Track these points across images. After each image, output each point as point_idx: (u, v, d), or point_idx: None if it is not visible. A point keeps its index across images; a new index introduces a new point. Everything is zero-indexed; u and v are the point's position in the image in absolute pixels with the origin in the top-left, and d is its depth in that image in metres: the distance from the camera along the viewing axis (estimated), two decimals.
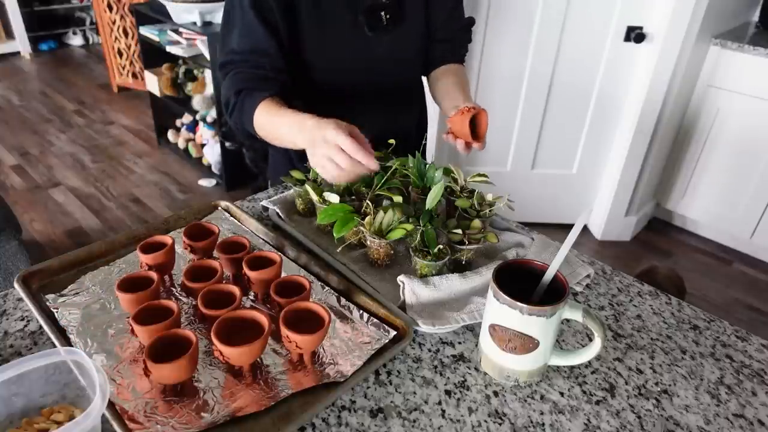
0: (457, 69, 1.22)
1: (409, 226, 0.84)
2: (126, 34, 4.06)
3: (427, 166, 1.00)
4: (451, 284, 0.82)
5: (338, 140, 0.79)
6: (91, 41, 5.48)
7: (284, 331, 0.66)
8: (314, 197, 0.92)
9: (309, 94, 1.12)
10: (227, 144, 2.87)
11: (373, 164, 0.79)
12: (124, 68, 4.23)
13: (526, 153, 2.61)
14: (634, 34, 2.25)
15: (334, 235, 0.85)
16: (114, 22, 4.01)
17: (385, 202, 0.94)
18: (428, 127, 1.38)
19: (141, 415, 0.61)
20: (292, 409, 0.64)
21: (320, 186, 0.96)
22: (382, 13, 1.07)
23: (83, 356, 0.59)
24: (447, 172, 0.99)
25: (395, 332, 0.74)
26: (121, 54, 4.16)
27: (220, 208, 1.02)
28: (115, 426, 0.59)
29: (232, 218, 1.00)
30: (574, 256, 0.93)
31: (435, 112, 2.54)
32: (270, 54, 1.00)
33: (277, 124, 0.93)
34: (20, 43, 4.98)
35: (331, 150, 0.79)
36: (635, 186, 2.58)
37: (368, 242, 0.87)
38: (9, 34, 4.98)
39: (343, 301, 0.80)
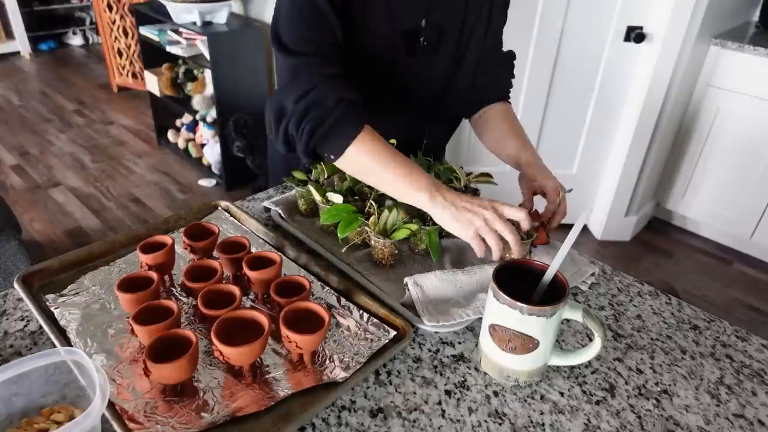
0: (506, 111, 1.11)
1: (414, 226, 0.84)
2: (126, 34, 4.06)
3: (430, 164, 1.00)
4: (456, 276, 0.82)
5: (513, 214, 0.78)
6: (91, 41, 5.48)
7: (284, 331, 0.66)
8: (317, 198, 0.92)
9: None
10: (236, 150, 2.83)
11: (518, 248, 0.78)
12: (124, 68, 4.23)
13: None
14: (634, 34, 2.25)
15: (339, 235, 0.85)
16: (114, 22, 4.01)
17: (388, 202, 0.94)
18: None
19: (141, 415, 0.61)
20: (292, 409, 0.64)
21: (322, 186, 0.96)
22: (422, 39, 1.00)
23: (83, 356, 0.59)
24: (449, 171, 0.99)
25: (395, 332, 0.74)
26: (121, 54, 4.16)
27: (220, 208, 1.02)
28: (115, 426, 0.59)
29: (232, 218, 1.00)
30: (578, 255, 0.93)
31: None
32: (338, 47, 0.89)
33: (394, 171, 0.82)
34: (20, 43, 4.97)
35: (504, 227, 0.77)
36: (635, 186, 2.58)
37: (372, 242, 0.87)
38: (9, 34, 4.98)
39: (343, 301, 0.80)
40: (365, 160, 0.83)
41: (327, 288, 0.83)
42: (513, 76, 1.17)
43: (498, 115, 1.11)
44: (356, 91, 0.87)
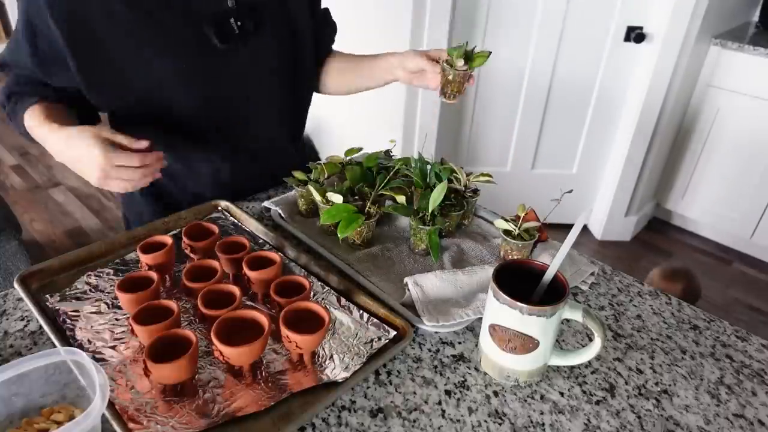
0: (337, 54, 1.20)
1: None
2: None
3: (430, 165, 1.00)
4: (456, 276, 0.82)
5: (116, 161, 0.81)
6: None
7: (284, 331, 0.66)
8: (317, 198, 0.92)
9: (147, 132, 0.93)
10: None
11: (157, 155, 0.84)
12: None
13: (526, 153, 2.61)
14: (634, 34, 2.25)
15: (339, 235, 0.85)
16: None
17: (388, 203, 0.94)
18: (419, 125, 1.34)
19: (141, 415, 0.61)
20: (292, 409, 0.64)
21: (322, 186, 0.96)
22: (232, 20, 0.94)
23: (83, 356, 0.59)
24: (449, 171, 0.99)
25: (395, 332, 0.74)
26: None
27: (220, 208, 1.02)
28: (115, 426, 0.59)
29: (232, 218, 1.00)
30: (578, 255, 0.93)
31: (431, 111, 2.53)
32: (29, 68, 0.95)
33: (42, 137, 0.95)
34: None
35: (115, 172, 0.82)
36: (635, 186, 2.58)
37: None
38: (9, 34, 4.98)
39: (343, 301, 0.80)
40: (37, 137, 0.98)
41: (327, 288, 0.83)
42: (335, 30, 1.22)
43: (330, 59, 1.20)
44: (38, 83, 0.97)
